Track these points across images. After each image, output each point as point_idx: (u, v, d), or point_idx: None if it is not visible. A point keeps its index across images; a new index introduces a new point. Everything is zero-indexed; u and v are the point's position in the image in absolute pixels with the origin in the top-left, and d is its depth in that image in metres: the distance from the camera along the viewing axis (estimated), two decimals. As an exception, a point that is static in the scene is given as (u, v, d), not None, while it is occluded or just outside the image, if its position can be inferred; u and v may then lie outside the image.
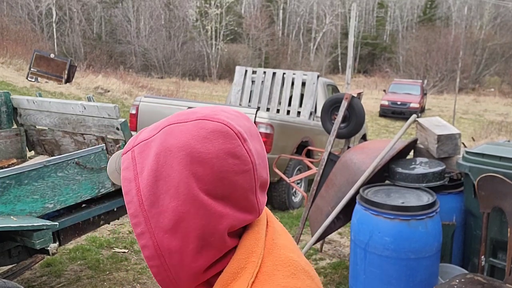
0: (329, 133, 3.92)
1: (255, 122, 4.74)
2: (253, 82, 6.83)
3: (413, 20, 48.84)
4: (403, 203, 2.72)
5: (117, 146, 3.06)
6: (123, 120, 3.03)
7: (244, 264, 0.64)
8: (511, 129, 14.22)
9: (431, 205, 2.70)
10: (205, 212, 0.60)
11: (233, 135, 0.63)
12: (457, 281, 2.33)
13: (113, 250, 3.94)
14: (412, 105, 17.49)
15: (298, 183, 5.51)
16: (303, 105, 6.41)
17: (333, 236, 4.61)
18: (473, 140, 9.66)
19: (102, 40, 39.84)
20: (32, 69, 13.15)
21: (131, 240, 4.17)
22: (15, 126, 3.82)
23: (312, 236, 3.36)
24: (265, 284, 0.62)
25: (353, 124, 3.89)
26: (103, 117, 3.10)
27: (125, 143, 3.03)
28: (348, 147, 4.09)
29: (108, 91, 14.49)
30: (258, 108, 4.93)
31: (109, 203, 3.02)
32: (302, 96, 6.48)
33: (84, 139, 3.37)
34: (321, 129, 4.74)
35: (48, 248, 2.32)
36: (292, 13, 47.31)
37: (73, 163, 2.62)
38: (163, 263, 0.62)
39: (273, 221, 0.74)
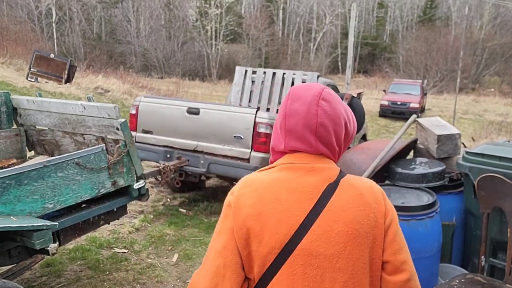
0: (329, 133, 3.90)
1: (255, 122, 4.74)
2: (253, 82, 6.82)
3: (413, 20, 48.82)
4: (403, 203, 2.72)
5: (117, 146, 3.05)
6: (123, 120, 3.02)
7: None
8: (511, 129, 14.22)
9: (431, 205, 2.70)
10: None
11: (288, 94, 1.17)
12: (457, 281, 2.33)
13: (113, 250, 3.94)
14: (412, 105, 17.48)
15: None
16: (303, 105, 6.40)
17: (333, 236, 4.60)
18: (473, 140, 9.65)
19: (102, 40, 39.82)
20: (32, 69, 13.14)
21: (131, 240, 4.17)
22: (15, 126, 3.82)
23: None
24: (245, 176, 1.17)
25: (353, 124, 3.88)
26: (103, 117, 3.09)
27: (125, 143, 3.03)
28: (348, 147, 4.10)
29: (108, 91, 14.49)
30: (258, 108, 4.93)
31: (109, 203, 3.02)
32: (302, 96, 6.47)
33: (84, 139, 3.37)
34: (321, 129, 4.72)
35: (48, 248, 2.31)
36: (292, 13, 47.29)
37: (73, 163, 2.62)
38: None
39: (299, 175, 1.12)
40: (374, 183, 1.19)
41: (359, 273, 1.05)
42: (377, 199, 1.12)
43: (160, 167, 4.30)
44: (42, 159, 3.16)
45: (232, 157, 4.83)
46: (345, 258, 1.04)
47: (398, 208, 2.67)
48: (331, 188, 1.09)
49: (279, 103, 6.58)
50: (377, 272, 1.09)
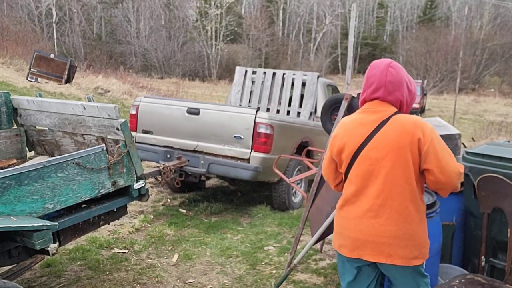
0: (329, 133, 3.91)
1: (255, 122, 4.74)
2: (253, 82, 6.82)
3: (413, 21, 48.83)
4: (403, 203, 2.71)
5: (117, 146, 3.05)
6: (123, 120, 3.02)
7: None
8: (511, 130, 14.22)
9: (431, 205, 2.69)
10: None
11: (370, 66, 2.06)
12: (457, 281, 2.33)
13: (113, 251, 3.94)
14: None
15: (298, 184, 5.51)
16: (303, 106, 6.41)
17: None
18: (473, 140, 9.66)
19: (102, 40, 39.85)
20: (32, 69, 13.14)
21: (131, 241, 4.17)
22: (15, 126, 3.82)
23: (312, 237, 3.36)
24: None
25: (353, 124, 3.88)
26: (103, 118, 3.09)
27: (125, 144, 3.03)
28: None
29: (108, 92, 14.49)
30: (258, 109, 4.93)
31: (109, 203, 3.01)
32: (302, 96, 6.48)
33: (84, 139, 3.37)
34: (321, 129, 4.74)
35: (48, 249, 2.31)
36: (292, 13, 47.31)
37: (73, 163, 2.62)
38: None
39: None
40: (419, 118, 1.93)
41: (395, 169, 1.87)
42: (415, 128, 1.86)
43: (160, 167, 4.30)
44: (42, 159, 3.16)
45: (232, 157, 4.83)
46: (387, 160, 1.87)
47: (398, 208, 2.66)
48: (383, 122, 1.91)
49: (279, 103, 6.59)
50: (413, 170, 1.88)
